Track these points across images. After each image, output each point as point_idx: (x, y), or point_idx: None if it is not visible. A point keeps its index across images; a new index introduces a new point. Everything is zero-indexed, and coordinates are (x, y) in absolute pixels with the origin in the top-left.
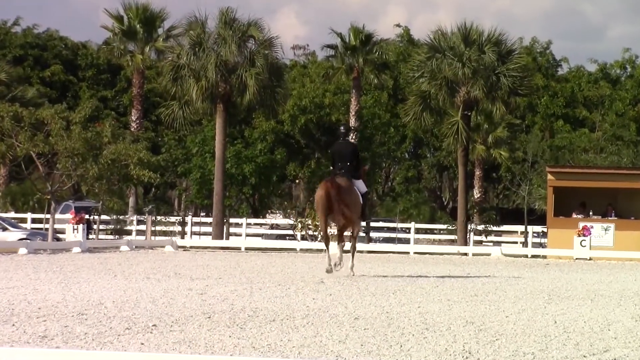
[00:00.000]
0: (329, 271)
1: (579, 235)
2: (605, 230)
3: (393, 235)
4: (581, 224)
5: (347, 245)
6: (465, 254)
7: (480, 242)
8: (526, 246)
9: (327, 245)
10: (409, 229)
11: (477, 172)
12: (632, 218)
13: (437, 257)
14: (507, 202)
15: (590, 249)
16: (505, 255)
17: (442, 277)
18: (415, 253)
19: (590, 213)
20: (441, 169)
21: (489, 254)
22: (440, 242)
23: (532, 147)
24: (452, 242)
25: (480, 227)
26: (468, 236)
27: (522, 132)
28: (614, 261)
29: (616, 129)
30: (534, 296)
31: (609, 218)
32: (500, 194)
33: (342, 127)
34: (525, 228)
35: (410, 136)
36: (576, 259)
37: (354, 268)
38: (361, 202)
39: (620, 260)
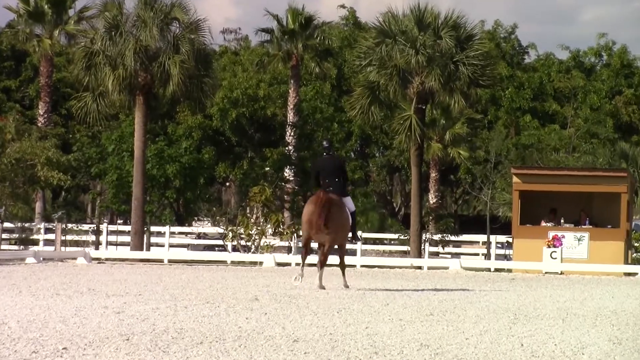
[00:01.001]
0: (296, 279)
1: (549, 246)
2: (579, 240)
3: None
4: (551, 234)
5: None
6: (420, 268)
7: (436, 254)
8: (489, 258)
9: (303, 259)
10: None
11: (433, 174)
12: (609, 226)
13: (388, 271)
14: (467, 209)
15: (561, 261)
16: (465, 268)
17: (393, 293)
18: (362, 266)
19: (562, 221)
20: (392, 171)
21: (446, 268)
22: (390, 253)
23: (496, 145)
24: (404, 253)
25: (437, 237)
26: (423, 247)
27: (483, 129)
28: (588, 275)
29: (591, 125)
30: (498, 315)
31: (583, 226)
32: (459, 199)
33: (324, 142)
34: (488, 238)
35: (357, 133)
36: (545, 272)
37: (346, 282)
38: (350, 221)
39: (596, 274)
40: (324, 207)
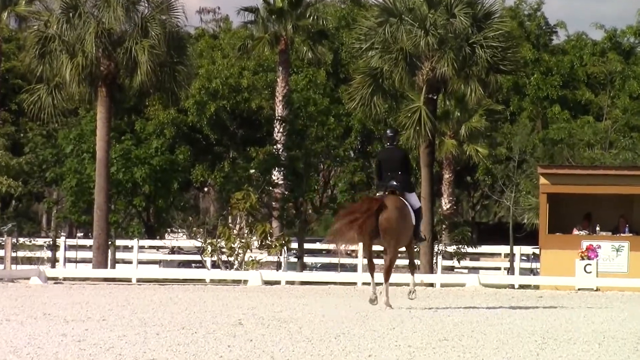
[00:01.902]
0: (372, 300)
1: (583, 258)
2: (617, 250)
3: (335, 260)
4: (585, 243)
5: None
6: (432, 285)
7: (451, 269)
8: (512, 273)
9: (371, 274)
10: (356, 251)
11: (447, 176)
12: None
13: (394, 289)
14: (487, 215)
15: (597, 275)
16: (485, 285)
17: (401, 314)
18: (364, 284)
19: (597, 228)
20: None
21: (463, 284)
22: (397, 268)
23: (520, 141)
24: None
25: (451, 249)
26: (435, 260)
27: (505, 122)
28: (628, 292)
29: (630, 116)
30: (523, 340)
31: (622, 235)
32: (477, 205)
33: (388, 131)
34: (511, 249)
35: (357, 128)
36: (579, 289)
37: (414, 286)
38: (413, 223)
39: (638, 290)
40: (376, 216)
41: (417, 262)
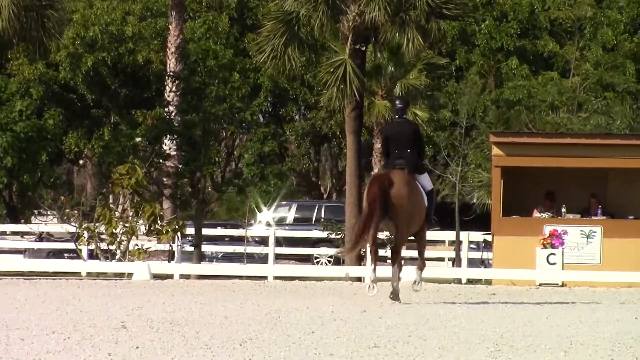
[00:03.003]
0: (371, 289)
1: (545, 247)
2: (588, 237)
3: (240, 249)
4: (548, 228)
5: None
6: (359, 279)
7: (384, 259)
8: (458, 265)
9: (373, 260)
10: (266, 239)
11: (378, 145)
12: (631, 217)
13: (314, 285)
14: None
15: (562, 268)
16: (425, 279)
17: (321, 315)
18: (276, 278)
19: (563, 210)
20: (318, 141)
21: (400, 278)
22: (318, 259)
23: (468, 102)
24: (337, 259)
25: (383, 236)
26: (363, 250)
27: (450, 79)
28: (601, 288)
29: (603, 72)
30: (472, 347)
31: (594, 218)
32: None
33: (397, 102)
34: (457, 235)
35: (267, 86)
36: (540, 284)
37: (419, 285)
38: (426, 205)
39: (612, 285)
40: (383, 192)
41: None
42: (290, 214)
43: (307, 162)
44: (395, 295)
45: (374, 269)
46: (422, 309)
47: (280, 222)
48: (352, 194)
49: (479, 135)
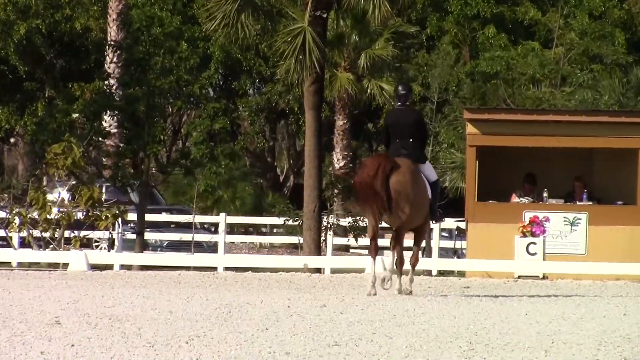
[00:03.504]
0: (371, 294)
1: (525, 235)
2: (572, 224)
3: (188, 236)
4: (528, 215)
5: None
6: (319, 271)
7: (346, 249)
8: (429, 255)
9: (374, 257)
10: (216, 225)
11: (340, 122)
12: (620, 203)
13: (269, 276)
14: None
15: (544, 258)
16: (392, 271)
17: (276, 311)
18: (227, 269)
19: (545, 195)
20: (274, 117)
21: (361, 270)
22: (272, 248)
23: (440, 75)
24: (294, 248)
25: (346, 222)
26: (323, 238)
27: (420, 49)
28: (587, 280)
29: (590, 41)
30: (443, 345)
31: (579, 203)
32: None
33: (400, 88)
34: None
35: (219, 57)
36: (519, 277)
37: (412, 284)
38: (430, 196)
39: (599, 278)
40: (383, 176)
41: (420, 253)
42: None
43: (261, 141)
44: (389, 279)
45: (375, 264)
46: (388, 304)
47: None
48: (312, 176)
49: (452, 111)
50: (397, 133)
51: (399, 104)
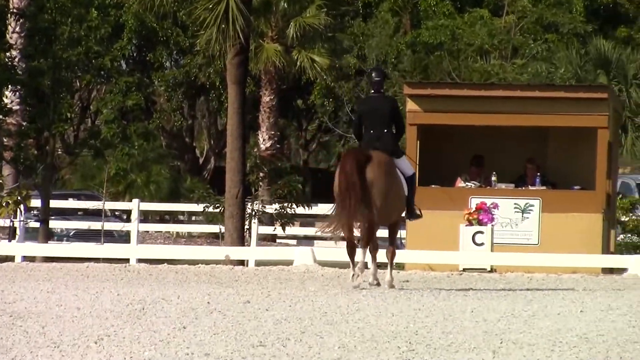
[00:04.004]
0: (355, 277)
1: (471, 223)
2: (523, 212)
3: (97, 225)
4: (474, 200)
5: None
6: (242, 263)
7: (272, 239)
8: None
9: (351, 256)
10: (129, 213)
11: (267, 98)
12: (576, 188)
13: (186, 269)
14: (327, 158)
15: (492, 249)
16: (322, 263)
17: (195, 307)
18: (140, 261)
19: (494, 178)
20: (194, 93)
21: (289, 262)
22: (192, 238)
23: (377, 46)
24: (215, 237)
25: (272, 209)
26: (248, 227)
27: (356, 18)
28: (539, 274)
29: (544, 9)
30: (380, 345)
31: (531, 188)
32: (312, 142)
33: (374, 74)
34: None
35: (132, 27)
36: (464, 269)
37: (392, 281)
38: (405, 193)
39: (553, 271)
40: (360, 172)
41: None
42: None
43: (179, 119)
44: (374, 281)
45: (354, 265)
46: (319, 300)
47: None
48: (234, 158)
49: (391, 86)
50: (371, 122)
51: (373, 91)
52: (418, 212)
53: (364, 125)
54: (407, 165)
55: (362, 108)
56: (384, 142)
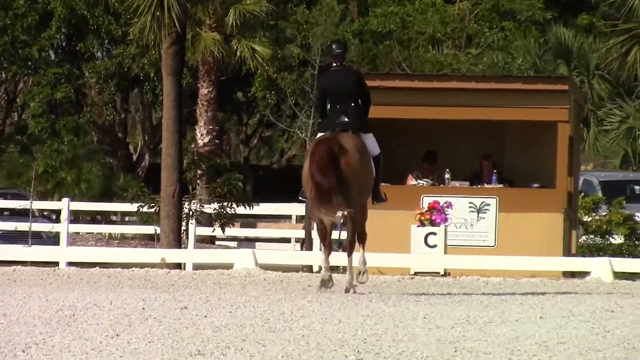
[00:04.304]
0: (326, 285)
1: (423, 224)
2: (479, 211)
3: (24, 225)
4: (427, 200)
5: None
6: (179, 267)
7: (211, 240)
8: (309, 248)
9: (326, 253)
10: (58, 212)
11: (205, 91)
12: (535, 186)
13: (120, 273)
14: (269, 155)
15: (445, 251)
16: (264, 267)
17: (129, 313)
18: (71, 264)
19: (447, 176)
20: (127, 85)
21: (230, 266)
22: (125, 239)
23: (322, 35)
24: (150, 238)
25: (211, 208)
26: (185, 227)
27: (299, 4)
28: (496, 278)
29: None
30: (326, 354)
31: (487, 186)
32: (253, 137)
33: (334, 46)
34: (308, 209)
35: (61, 15)
36: (416, 273)
37: (364, 275)
38: (374, 175)
39: (512, 274)
40: (334, 162)
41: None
42: None
43: (111, 113)
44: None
45: (327, 258)
46: (261, 306)
47: None
48: (170, 154)
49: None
50: (336, 97)
51: (335, 64)
52: (383, 195)
53: (330, 101)
54: (375, 143)
55: (324, 83)
56: (352, 117)
